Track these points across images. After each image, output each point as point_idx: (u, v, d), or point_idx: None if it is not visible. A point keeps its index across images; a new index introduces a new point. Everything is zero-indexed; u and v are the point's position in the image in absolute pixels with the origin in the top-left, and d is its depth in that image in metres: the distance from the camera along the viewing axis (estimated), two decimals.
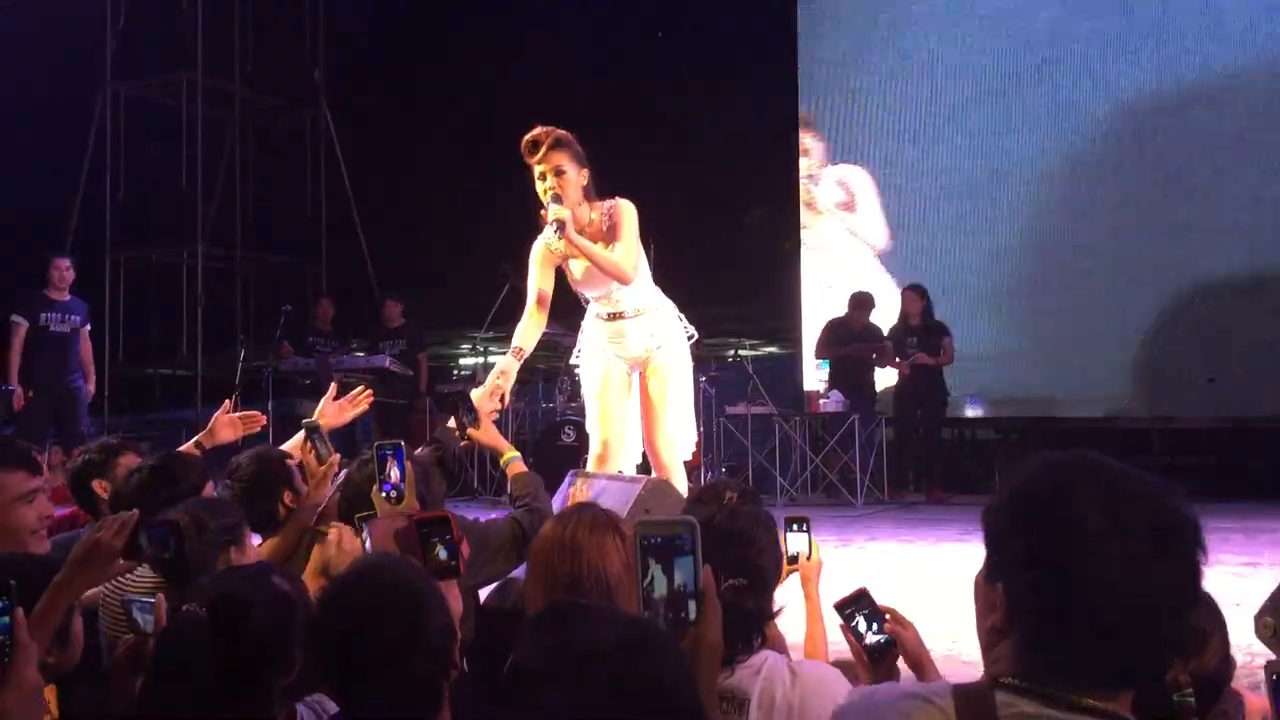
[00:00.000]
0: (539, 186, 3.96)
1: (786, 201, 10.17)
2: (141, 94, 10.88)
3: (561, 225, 3.86)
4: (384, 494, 2.39)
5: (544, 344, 9.32)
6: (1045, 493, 1.13)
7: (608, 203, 4.05)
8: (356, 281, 11.24)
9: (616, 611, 1.19)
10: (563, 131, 4.00)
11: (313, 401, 6.74)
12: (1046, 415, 9.09)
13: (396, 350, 9.01)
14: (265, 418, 3.79)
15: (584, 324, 4.34)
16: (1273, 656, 1.98)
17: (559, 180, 3.93)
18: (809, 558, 2.45)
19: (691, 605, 1.40)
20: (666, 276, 8.02)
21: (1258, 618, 2.80)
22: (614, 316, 4.19)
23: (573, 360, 4.43)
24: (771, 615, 1.82)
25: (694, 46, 9.78)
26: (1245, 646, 3.12)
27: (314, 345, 9.17)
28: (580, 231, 3.96)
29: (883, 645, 1.78)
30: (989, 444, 9.66)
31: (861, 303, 8.93)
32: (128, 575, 2.23)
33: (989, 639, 1.21)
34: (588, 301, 4.27)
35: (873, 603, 1.83)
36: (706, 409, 8.68)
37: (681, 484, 4.17)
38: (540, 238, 4.00)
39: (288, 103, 11.32)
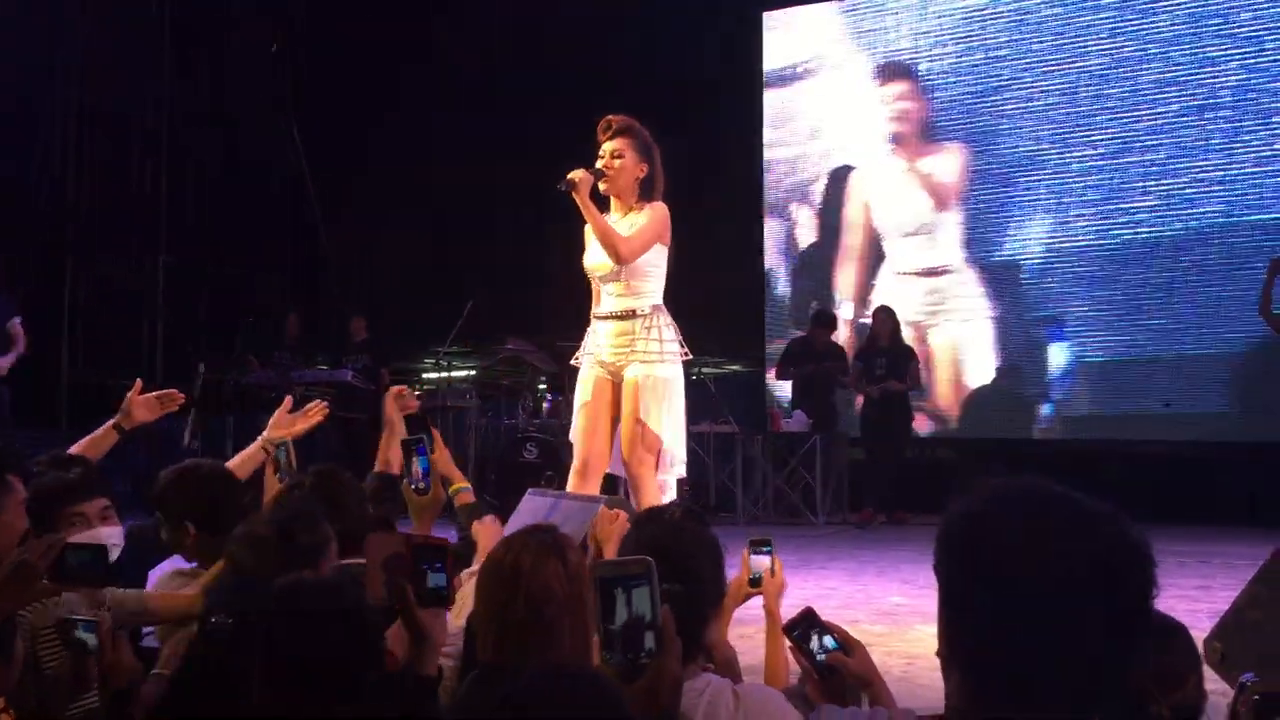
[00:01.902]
0: (598, 163, 4.16)
1: (753, 219, 10.25)
2: (105, 101, 10.79)
3: (572, 183, 4.01)
4: (412, 487, 2.50)
5: (508, 360, 9.40)
6: (981, 522, 1.13)
7: (650, 203, 4.18)
8: (322, 295, 11.18)
9: (560, 673, 1.18)
10: (639, 125, 4.22)
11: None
12: (1007, 436, 9.16)
13: (360, 364, 8.97)
14: (183, 396, 3.65)
15: (588, 331, 4.41)
16: (1245, 678, 2.01)
17: (615, 161, 4.15)
18: (773, 577, 2.45)
19: (649, 637, 1.41)
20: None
21: (1207, 642, 2.85)
22: (602, 316, 4.25)
23: (573, 361, 4.46)
24: (704, 634, 1.82)
25: (658, 63, 9.83)
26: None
27: (278, 359, 9.12)
28: (619, 220, 4.16)
29: (832, 665, 1.80)
30: (950, 464, 9.71)
31: (823, 321, 9.00)
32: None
33: (943, 668, 1.21)
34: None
35: (820, 622, 1.85)
36: None
37: (647, 499, 4.07)
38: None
39: (255, 113, 11.26)
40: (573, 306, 9.10)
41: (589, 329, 4.35)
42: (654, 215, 4.15)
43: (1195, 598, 4.59)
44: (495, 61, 10.70)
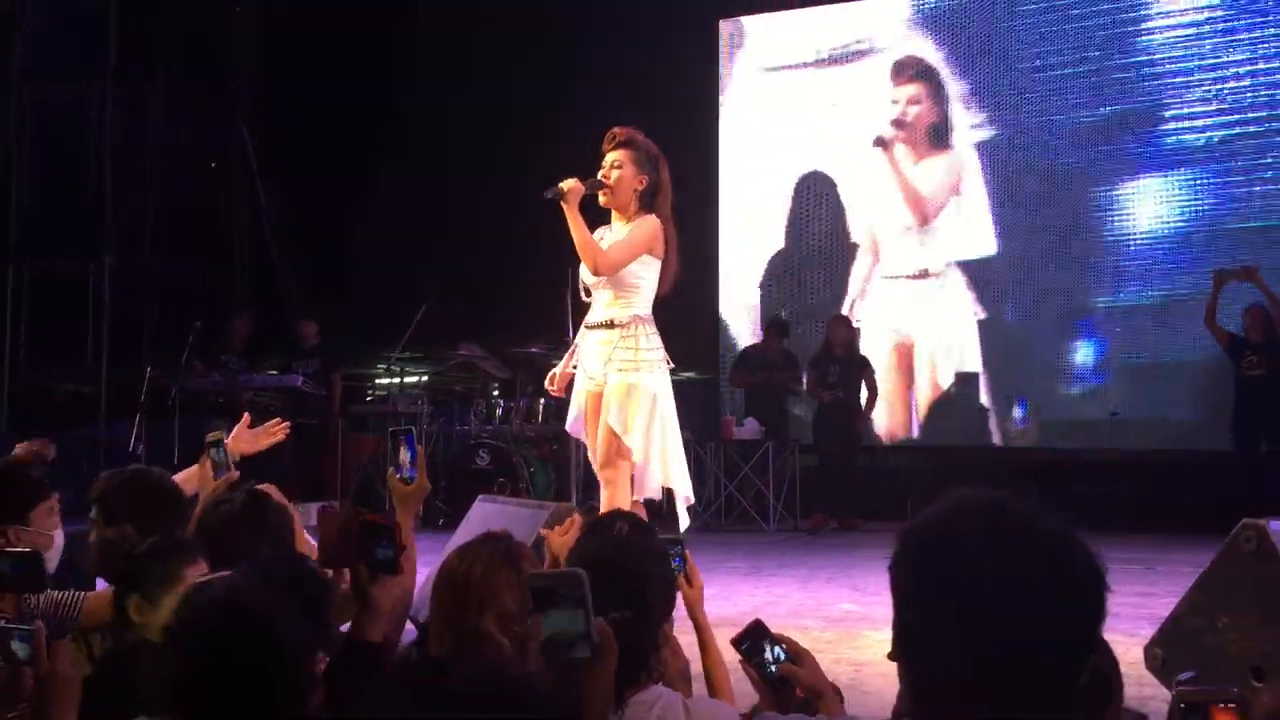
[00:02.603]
0: (600, 174, 4.26)
1: (707, 227, 10.27)
2: (51, 97, 10.61)
3: (561, 192, 4.09)
4: (398, 476, 2.52)
5: (461, 366, 9.35)
6: (938, 533, 1.14)
7: (644, 215, 4.26)
8: (274, 299, 11.06)
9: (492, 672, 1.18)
10: (643, 138, 4.31)
11: (222, 420, 6.64)
12: (963, 444, 9.25)
13: (310, 369, 8.89)
14: (288, 424, 3.73)
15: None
16: (1183, 678, 2.05)
17: (613, 173, 4.24)
18: (690, 584, 2.38)
19: (582, 646, 1.42)
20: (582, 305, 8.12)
21: (1147, 649, 2.90)
22: (589, 325, 4.34)
23: (570, 368, 4.54)
24: (658, 647, 1.82)
25: (617, 73, 9.84)
26: (1136, 677, 3.22)
27: (226, 363, 9.02)
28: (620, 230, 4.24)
29: (783, 676, 1.80)
30: (903, 471, 9.77)
31: (776, 329, 9.05)
32: None
33: (898, 673, 1.22)
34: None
35: (769, 634, 1.85)
36: None
37: (620, 503, 4.09)
38: (597, 230, 4.29)
39: (206, 112, 11.13)
40: (528, 313, 9.15)
41: (579, 338, 4.44)
42: (640, 228, 4.21)
43: (1138, 604, 4.65)
44: (455, 65, 10.65)
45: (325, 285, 10.58)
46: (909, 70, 9.55)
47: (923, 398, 9.42)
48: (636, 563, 1.85)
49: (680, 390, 9.46)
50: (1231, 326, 7.74)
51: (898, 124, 9.57)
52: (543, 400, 8.55)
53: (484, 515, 3.36)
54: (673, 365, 4.32)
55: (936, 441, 9.32)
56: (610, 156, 4.26)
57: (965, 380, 9.26)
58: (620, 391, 4.13)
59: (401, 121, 10.60)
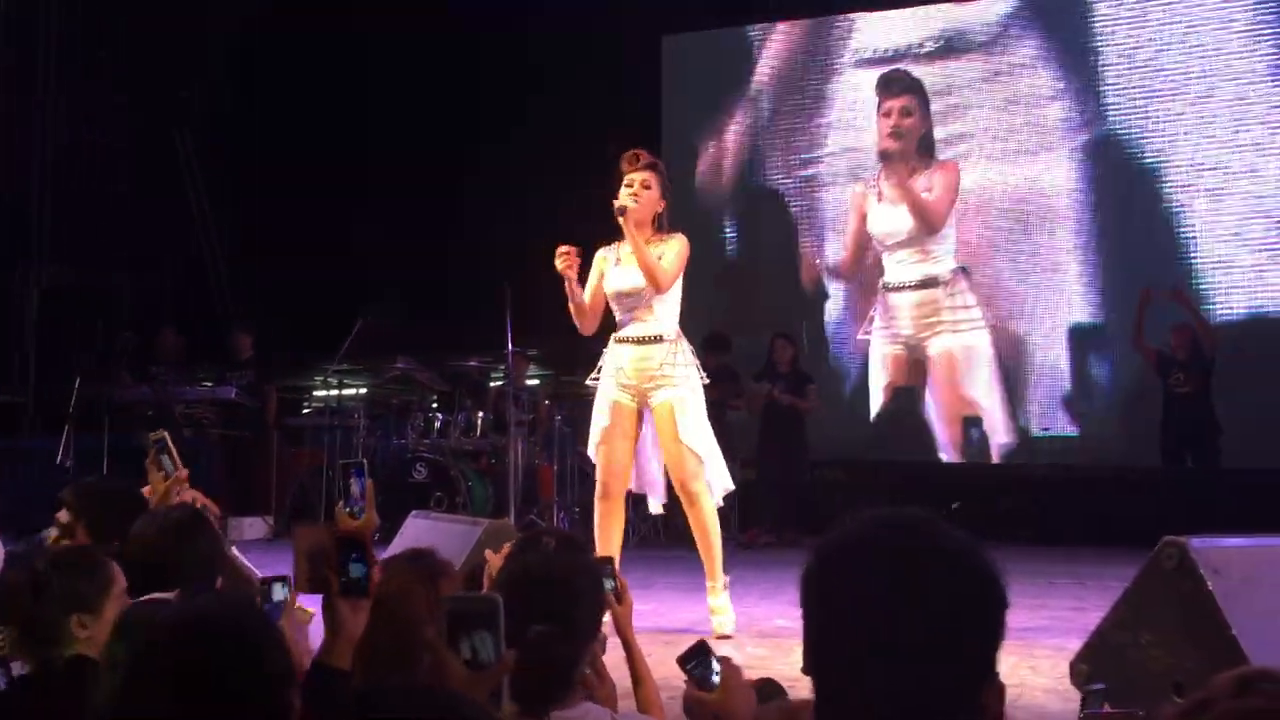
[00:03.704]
0: (623, 192, 4.43)
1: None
2: None
3: (624, 210, 4.31)
4: (347, 510, 2.46)
5: (398, 379, 9.28)
6: (844, 552, 1.15)
7: (671, 234, 4.52)
8: (208, 310, 10.91)
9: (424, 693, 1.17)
10: (660, 162, 4.59)
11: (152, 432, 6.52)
12: (897, 459, 9.32)
13: (244, 381, 8.77)
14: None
15: (605, 352, 4.64)
16: (1094, 688, 2.09)
17: (642, 192, 4.42)
18: (619, 602, 2.38)
19: (492, 670, 1.42)
20: (528, 314, 8.09)
21: (1073, 664, 2.95)
22: (631, 340, 4.50)
23: (589, 380, 4.69)
24: (580, 662, 1.82)
25: (560, 85, 9.85)
26: (1064, 691, 3.28)
27: (157, 375, 8.86)
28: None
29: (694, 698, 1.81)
30: (844, 485, 9.82)
31: (714, 343, 9.06)
32: None
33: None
34: (616, 326, 4.61)
35: (711, 653, 1.87)
36: (562, 447, 8.68)
37: (713, 517, 4.48)
38: (602, 249, 4.59)
39: (145, 120, 10.94)
40: (467, 325, 9.09)
41: (608, 350, 4.60)
42: (682, 247, 4.49)
43: (1069, 619, 4.73)
44: (395, 69, 10.58)
45: (260, 296, 10.45)
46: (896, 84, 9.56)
47: (875, 413, 9.47)
48: (565, 579, 1.85)
49: None
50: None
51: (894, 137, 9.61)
52: (481, 414, 8.50)
53: (417, 531, 3.34)
54: (707, 380, 4.63)
55: (885, 457, 9.39)
56: (638, 176, 4.45)
57: (915, 395, 9.33)
58: (682, 406, 4.41)
59: (343, 133, 10.50)
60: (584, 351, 8.96)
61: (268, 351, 9.15)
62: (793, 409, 8.71)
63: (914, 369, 9.31)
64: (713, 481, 4.50)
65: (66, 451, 7.83)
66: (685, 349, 4.51)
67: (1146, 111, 8.76)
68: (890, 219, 9.38)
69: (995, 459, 9.03)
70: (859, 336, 9.50)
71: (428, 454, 8.20)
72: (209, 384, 8.94)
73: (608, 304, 4.65)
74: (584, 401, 9.82)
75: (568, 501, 8.67)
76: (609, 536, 4.61)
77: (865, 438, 9.43)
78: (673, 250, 4.45)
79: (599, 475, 4.55)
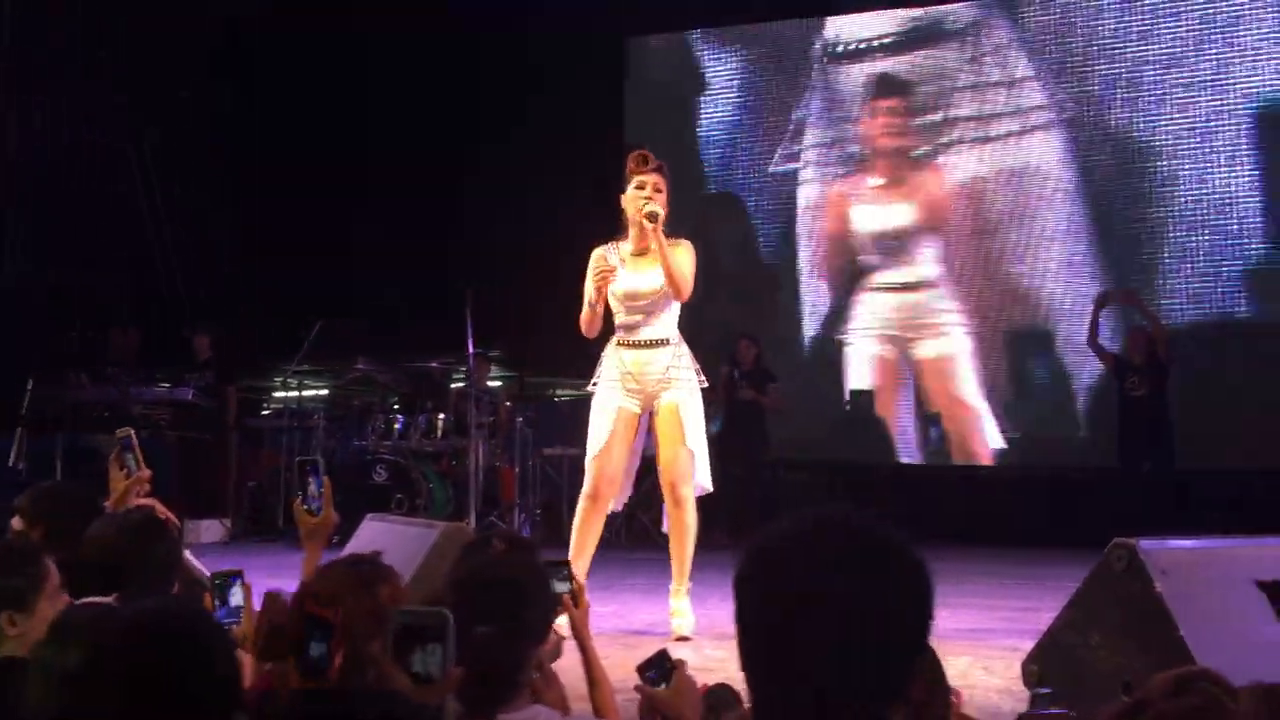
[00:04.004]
0: (637, 194, 4.48)
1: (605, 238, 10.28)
2: None
3: (655, 215, 4.36)
4: (306, 508, 2.54)
5: (359, 380, 9.22)
6: (770, 548, 1.16)
7: (677, 239, 4.54)
8: (167, 310, 10.79)
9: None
10: (664, 164, 4.60)
11: (108, 435, 6.43)
12: (856, 461, 9.37)
13: (203, 383, 8.69)
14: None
15: (604, 355, 4.64)
16: (1040, 692, 2.11)
17: (655, 195, 4.46)
18: (576, 605, 2.39)
19: (438, 686, 1.42)
20: (488, 314, 8.07)
21: (1024, 664, 2.97)
22: (637, 344, 4.52)
23: (589, 386, 4.70)
24: (527, 664, 1.81)
25: (528, 83, 9.83)
26: (1018, 691, 3.30)
27: (114, 376, 8.75)
28: (645, 252, 4.50)
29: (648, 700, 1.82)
30: (803, 487, 9.86)
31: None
32: None
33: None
34: (617, 329, 4.61)
35: (670, 662, 1.87)
36: (523, 449, 8.67)
37: (694, 521, 4.56)
38: (600, 248, 4.60)
39: (111, 118, 10.80)
40: (427, 326, 9.05)
41: (609, 353, 4.59)
42: (692, 253, 4.52)
43: (1023, 619, 4.76)
44: (352, 70, 10.52)
45: (221, 297, 10.36)
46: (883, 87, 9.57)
47: (836, 414, 9.51)
48: (512, 581, 1.84)
49: (583, 405, 9.47)
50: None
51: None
52: (442, 416, 8.47)
53: (372, 534, 3.32)
54: (705, 384, 4.67)
55: (857, 458, 9.42)
56: (650, 178, 4.49)
57: (894, 397, 9.37)
58: (688, 409, 4.49)
59: (303, 134, 10.42)
60: (542, 351, 9.03)
61: (227, 352, 9.07)
62: (755, 406, 8.72)
63: (897, 370, 9.29)
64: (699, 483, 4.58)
65: (20, 454, 7.73)
66: (687, 352, 4.58)
67: (1100, 121, 8.87)
68: (876, 218, 9.34)
69: (955, 459, 9.09)
70: (838, 337, 9.48)
71: (388, 456, 8.16)
72: (166, 385, 8.84)
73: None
74: (547, 403, 9.88)
75: (529, 503, 8.66)
76: (590, 537, 4.60)
77: (837, 439, 9.46)
78: (687, 256, 4.51)
79: (592, 478, 4.53)
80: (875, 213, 9.42)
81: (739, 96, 10.03)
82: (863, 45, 9.59)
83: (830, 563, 1.12)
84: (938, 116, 9.29)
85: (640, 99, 10.30)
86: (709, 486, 4.67)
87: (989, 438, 8.98)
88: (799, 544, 1.14)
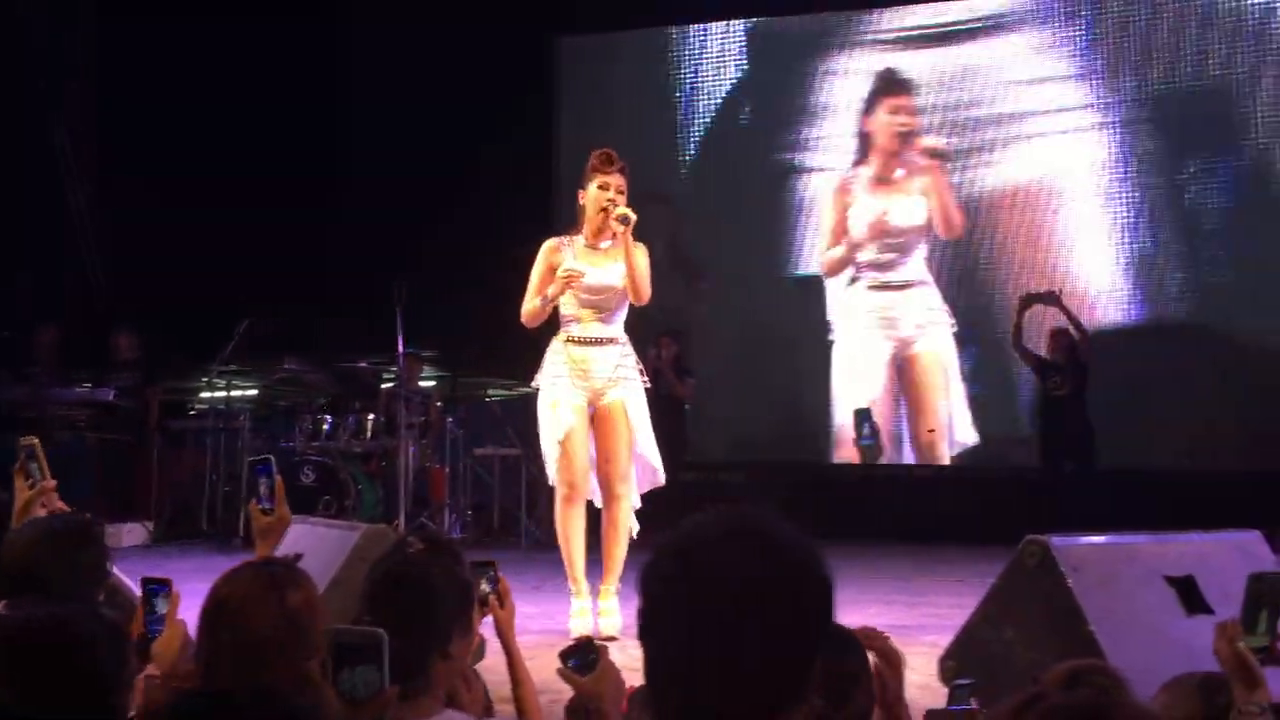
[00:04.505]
0: (601, 194, 4.53)
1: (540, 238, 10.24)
2: None
3: (628, 219, 4.41)
4: (259, 508, 2.58)
5: (288, 380, 9.09)
6: (673, 543, 1.17)
7: (636, 243, 4.55)
8: (88, 309, 10.55)
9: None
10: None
11: (26, 436, 6.29)
12: (787, 459, 9.43)
13: (125, 383, 8.52)
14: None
15: (549, 351, 4.65)
16: (959, 682, 2.15)
17: (618, 197, 4.52)
18: (501, 606, 2.38)
19: (376, 704, 1.42)
20: (420, 314, 8.00)
21: (941, 660, 3.02)
22: (588, 341, 4.56)
23: (534, 384, 4.68)
24: (438, 666, 1.80)
25: (457, 80, 9.76)
26: (936, 687, 3.35)
27: (32, 375, 8.55)
28: (599, 249, 4.57)
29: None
30: (733, 487, 9.90)
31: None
32: None
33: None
34: (563, 323, 4.62)
35: (594, 651, 1.88)
36: (454, 449, 8.61)
37: (630, 517, 4.57)
38: (552, 240, 4.65)
39: (21, 109, 10.54)
40: (356, 324, 8.95)
41: (556, 349, 4.61)
42: (649, 258, 4.57)
43: (946, 616, 4.82)
44: (272, 66, 10.37)
45: (144, 294, 10.15)
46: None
47: (766, 413, 9.54)
48: (427, 583, 1.84)
49: (512, 405, 9.44)
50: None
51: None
52: (371, 416, 8.38)
53: (295, 536, 3.27)
54: (649, 384, 4.73)
55: (775, 457, 9.47)
56: (615, 180, 4.55)
57: (804, 396, 9.42)
58: (636, 407, 4.55)
59: (224, 130, 10.25)
60: (476, 350, 8.98)
61: (151, 352, 8.90)
62: (672, 399, 8.71)
63: (879, 370, 9.24)
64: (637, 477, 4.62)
65: None
66: (633, 351, 4.66)
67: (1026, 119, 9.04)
68: (877, 214, 9.22)
69: (888, 458, 9.16)
70: (830, 338, 9.37)
71: (315, 457, 8.07)
72: (87, 385, 8.66)
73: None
74: (479, 403, 9.82)
75: (460, 504, 8.60)
76: (577, 540, 4.61)
77: (778, 438, 9.49)
78: (646, 260, 4.56)
79: (562, 478, 4.53)
80: (868, 203, 9.27)
81: (675, 96, 10.03)
82: (869, 38, 9.48)
83: (727, 555, 1.12)
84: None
85: (573, 98, 10.28)
86: (662, 481, 4.72)
87: (940, 438, 9.05)
88: (695, 541, 1.15)
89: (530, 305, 4.60)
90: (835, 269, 9.40)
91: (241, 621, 1.61)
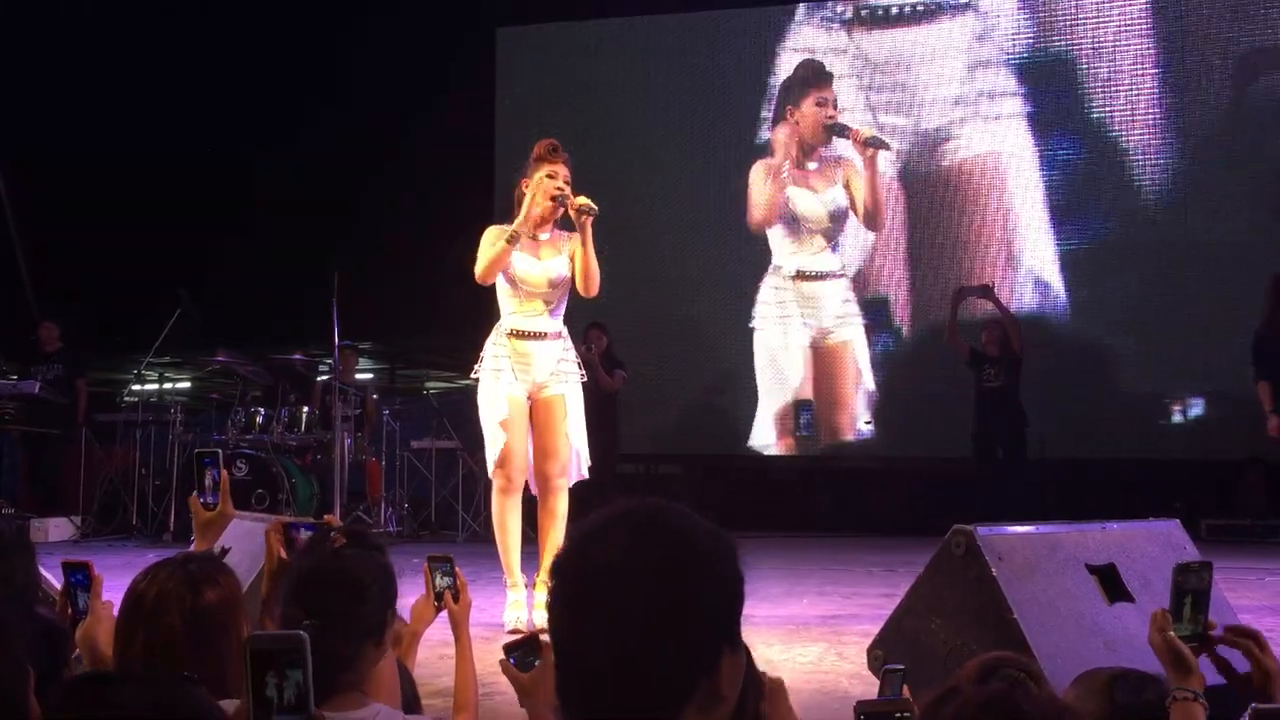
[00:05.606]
0: (548, 182, 4.49)
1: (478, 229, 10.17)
2: None
3: (592, 210, 4.39)
4: (201, 501, 2.55)
5: (220, 372, 8.97)
6: (580, 536, 1.16)
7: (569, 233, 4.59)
8: (12, 300, 10.33)
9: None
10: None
11: None
12: (728, 452, 9.46)
13: (51, 375, 8.34)
14: None
15: (489, 343, 4.62)
16: (891, 668, 2.17)
17: (566, 187, 4.49)
18: (456, 600, 2.39)
19: (301, 712, 1.40)
20: (359, 305, 7.92)
21: (870, 650, 3.04)
22: (529, 335, 4.55)
23: (473, 375, 4.68)
24: (358, 661, 1.78)
25: (395, 70, 9.67)
26: (868, 676, 3.38)
27: None
28: (540, 240, 4.55)
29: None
30: (673, 478, 9.93)
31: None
32: None
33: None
34: (506, 315, 4.59)
35: (540, 644, 1.89)
36: (390, 443, 8.55)
37: (564, 507, 4.59)
38: (496, 228, 4.57)
39: None
40: (292, 319, 8.85)
41: (497, 341, 4.58)
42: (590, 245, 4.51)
43: (878, 605, 4.87)
44: (204, 49, 10.21)
45: (69, 285, 9.95)
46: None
47: (697, 403, 9.57)
48: (350, 576, 1.82)
49: (449, 398, 9.38)
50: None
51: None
52: (306, 409, 8.29)
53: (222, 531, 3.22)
54: (585, 378, 4.74)
55: (707, 450, 9.49)
56: (563, 170, 4.53)
57: (739, 387, 9.45)
58: (573, 400, 4.59)
59: (157, 121, 10.07)
60: (412, 342, 8.92)
61: (76, 343, 8.72)
62: (604, 390, 8.71)
63: (802, 359, 9.26)
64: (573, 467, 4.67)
65: None
66: (572, 345, 4.69)
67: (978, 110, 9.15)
68: (807, 205, 9.21)
69: (818, 450, 9.23)
70: (750, 325, 9.38)
71: (248, 450, 7.96)
72: (13, 378, 8.47)
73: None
74: (415, 396, 9.75)
75: (396, 498, 8.54)
76: (514, 531, 4.61)
77: (707, 429, 9.52)
78: (592, 251, 4.54)
79: (501, 469, 4.54)
80: (792, 193, 9.26)
81: (620, 89, 9.99)
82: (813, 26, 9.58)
83: (634, 549, 1.12)
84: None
85: (512, 91, 10.21)
86: (586, 474, 4.74)
87: (860, 427, 9.12)
88: (604, 532, 1.14)
89: (495, 250, 4.48)
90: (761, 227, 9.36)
91: (155, 619, 1.59)
